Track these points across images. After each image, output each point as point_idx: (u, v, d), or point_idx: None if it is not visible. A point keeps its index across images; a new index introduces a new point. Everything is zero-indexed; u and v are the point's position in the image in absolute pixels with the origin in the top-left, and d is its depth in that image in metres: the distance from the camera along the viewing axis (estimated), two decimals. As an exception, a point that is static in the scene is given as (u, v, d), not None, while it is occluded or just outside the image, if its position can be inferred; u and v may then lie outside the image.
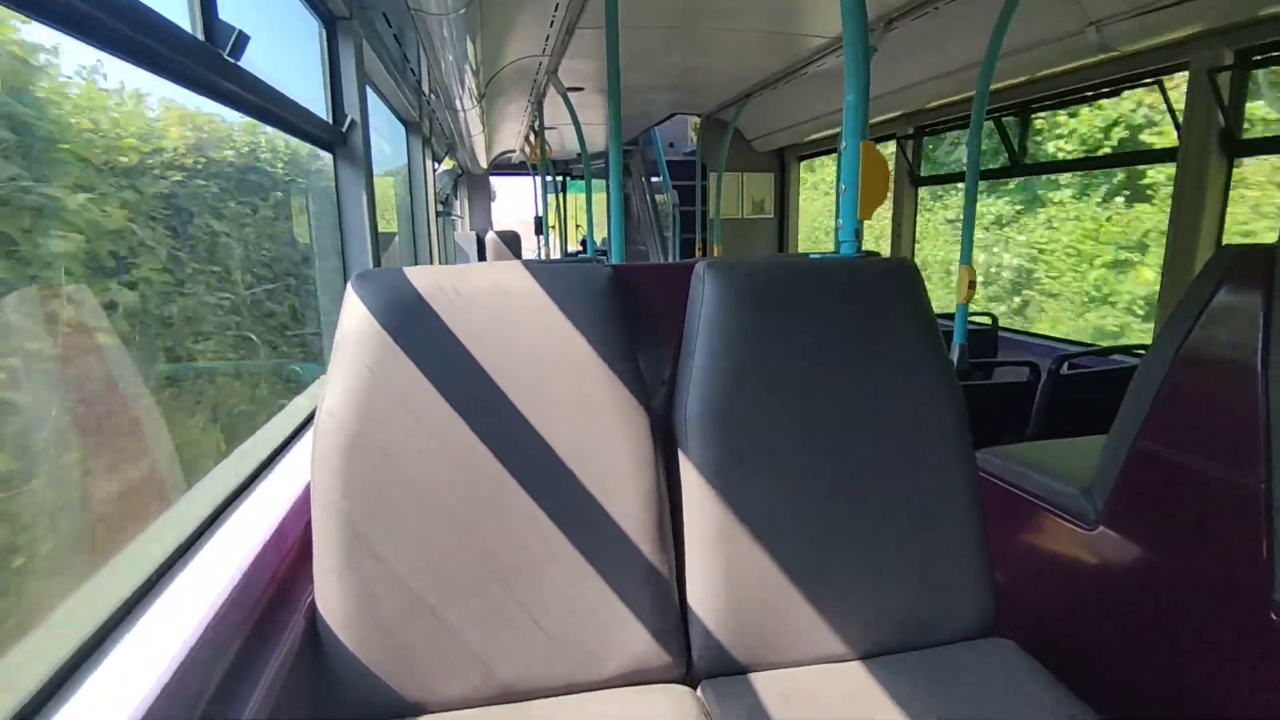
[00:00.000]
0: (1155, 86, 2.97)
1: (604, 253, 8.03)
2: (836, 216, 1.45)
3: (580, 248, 9.61)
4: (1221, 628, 1.29)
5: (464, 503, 1.00)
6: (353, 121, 1.98)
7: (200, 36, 1.09)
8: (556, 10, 2.96)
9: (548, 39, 3.39)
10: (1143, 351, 2.86)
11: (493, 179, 9.80)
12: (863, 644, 1.11)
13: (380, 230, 2.14)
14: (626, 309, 1.10)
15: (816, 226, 8.77)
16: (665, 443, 1.12)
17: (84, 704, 0.66)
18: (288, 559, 1.06)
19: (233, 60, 1.15)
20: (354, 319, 1.00)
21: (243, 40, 1.15)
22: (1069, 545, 1.67)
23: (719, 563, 1.08)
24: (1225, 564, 1.32)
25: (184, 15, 1.09)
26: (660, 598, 1.06)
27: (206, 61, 1.08)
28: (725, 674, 1.09)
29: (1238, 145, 2.63)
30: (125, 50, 0.88)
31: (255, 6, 1.51)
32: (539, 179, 7.74)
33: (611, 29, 2.36)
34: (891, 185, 3.64)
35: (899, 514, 1.13)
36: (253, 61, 1.25)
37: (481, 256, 8.12)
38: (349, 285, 1.02)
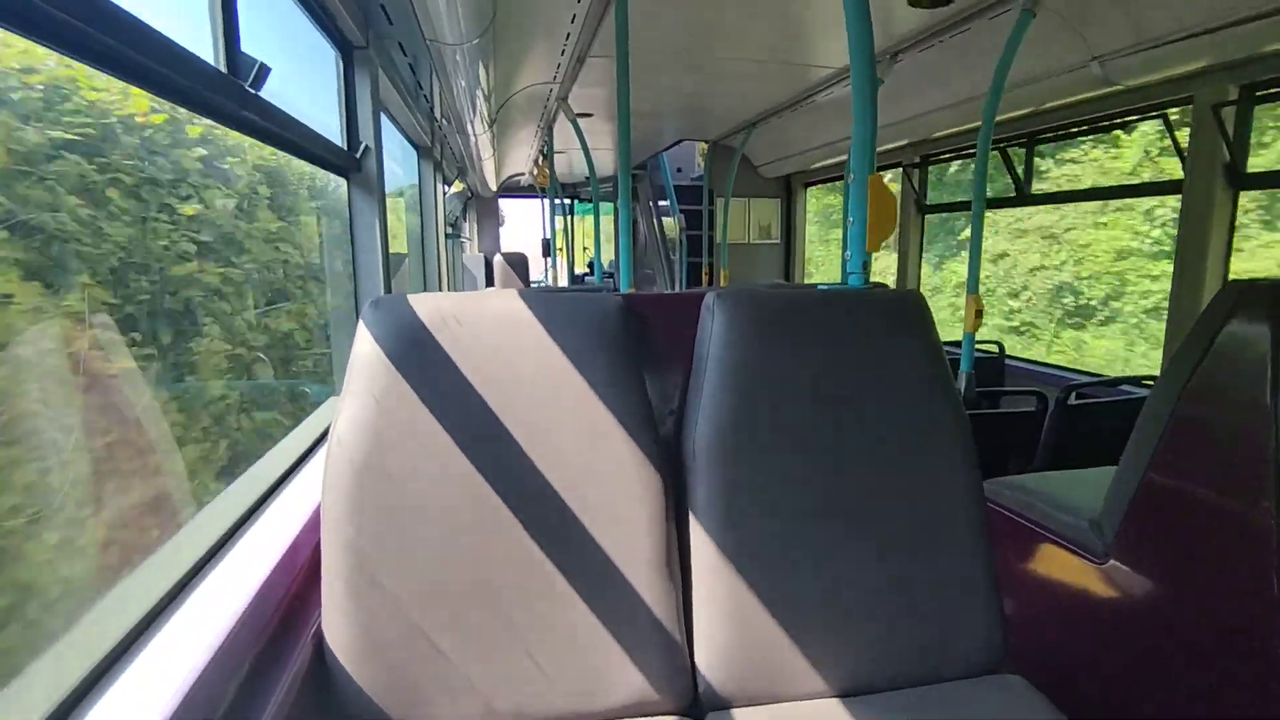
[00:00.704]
0: (1160, 119, 3.00)
1: (610, 275, 8.08)
2: (844, 248, 1.46)
3: (588, 270, 9.67)
4: (1234, 665, 1.28)
5: (469, 532, 1.00)
6: (367, 148, 2.02)
7: (223, 69, 1.12)
8: (568, 40, 3.01)
9: (559, 67, 3.44)
10: (1150, 383, 2.85)
11: (501, 202, 9.89)
12: (871, 678, 1.10)
13: (390, 251, 2.16)
14: (636, 338, 1.11)
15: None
16: (673, 472, 1.12)
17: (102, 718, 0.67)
18: (298, 579, 1.06)
19: (253, 91, 1.18)
20: (366, 345, 1.01)
21: (264, 72, 1.18)
22: (1078, 578, 1.66)
23: (726, 593, 1.07)
24: (1237, 600, 1.31)
25: (208, 48, 1.13)
26: (665, 628, 1.05)
27: (228, 93, 1.10)
28: (729, 707, 1.08)
29: (1243, 179, 2.65)
30: (152, 83, 0.91)
31: (275, 35, 1.55)
32: (547, 202, 7.81)
33: (622, 58, 2.40)
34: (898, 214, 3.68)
35: (907, 545, 1.13)
36: (270, 87, 1.28)
37: (489, 278, 8.18)
38: (364, 309, 1.04)
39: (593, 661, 1.02)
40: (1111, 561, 1.57)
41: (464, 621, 0.99)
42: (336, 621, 0.97)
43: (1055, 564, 1.74)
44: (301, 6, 1.69)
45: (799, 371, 1.13)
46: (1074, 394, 2.51)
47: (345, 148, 1.98)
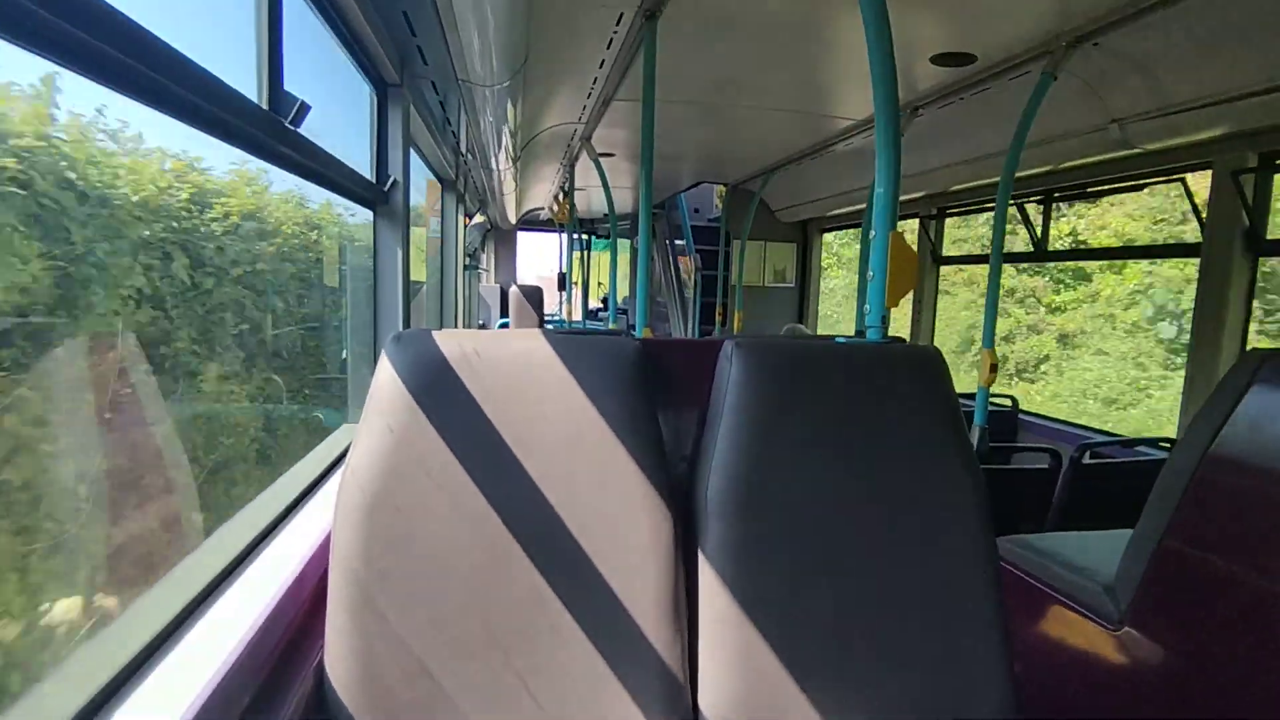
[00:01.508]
0: (1179, 182, 3.02)
1: (624, 311, 8.14)
2: (862, 302, 1.47)
3: (602, 305, 9.74)
4: None
5: (477, 571, 1.00)
6: (395, 181, 2.06)
7: (265, 106, 1.16)
8: (595, 83, 3.08)
9: (584, 108, 3.52)
10: (1167, 444, 2.83)
11: (519, 235, 10.02)
12: None
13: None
14: (652, 382, 1.12)
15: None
16: (684, 518, 1.11)
17: None
18: (303, 610, 1.06)
19: (293, 128, 1.22)
20: (387, 377, 1.02)
21: (304, 110, 1.22)
22: (1091, 644, 1.62)
23: (733, 643, 1.06)
24: (1256, 674, 1.28)
25: (252, 85, 1.17)
26: (671, 676, 1.04)
27: (269, 129, 1.14)
28: None
29: (1263, 244, 2.65)
30: (200, 120, 0.94)
31: (315, 73, 1.60)
32: (565, 237, 7.91)
33: (647, 103, 2.45)
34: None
35: (919, 603, 1.11)
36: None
37: (504, 309, 8.24)
38: (385, 343, 1.05)
39: (596, 706, 1.01)
40: (1126, 628, 1.54)
41: (467, 660, 0.98)
42: (338, 655, 0.96)
43: (1068, 628, 1.71)
44: (341, 46, 1.74)
45: (815, 424, 1.13)
46: (1088, 453, 2.49)
47: (374, 180, 2.03)
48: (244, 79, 1.13)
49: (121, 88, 0.77)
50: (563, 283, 8.13)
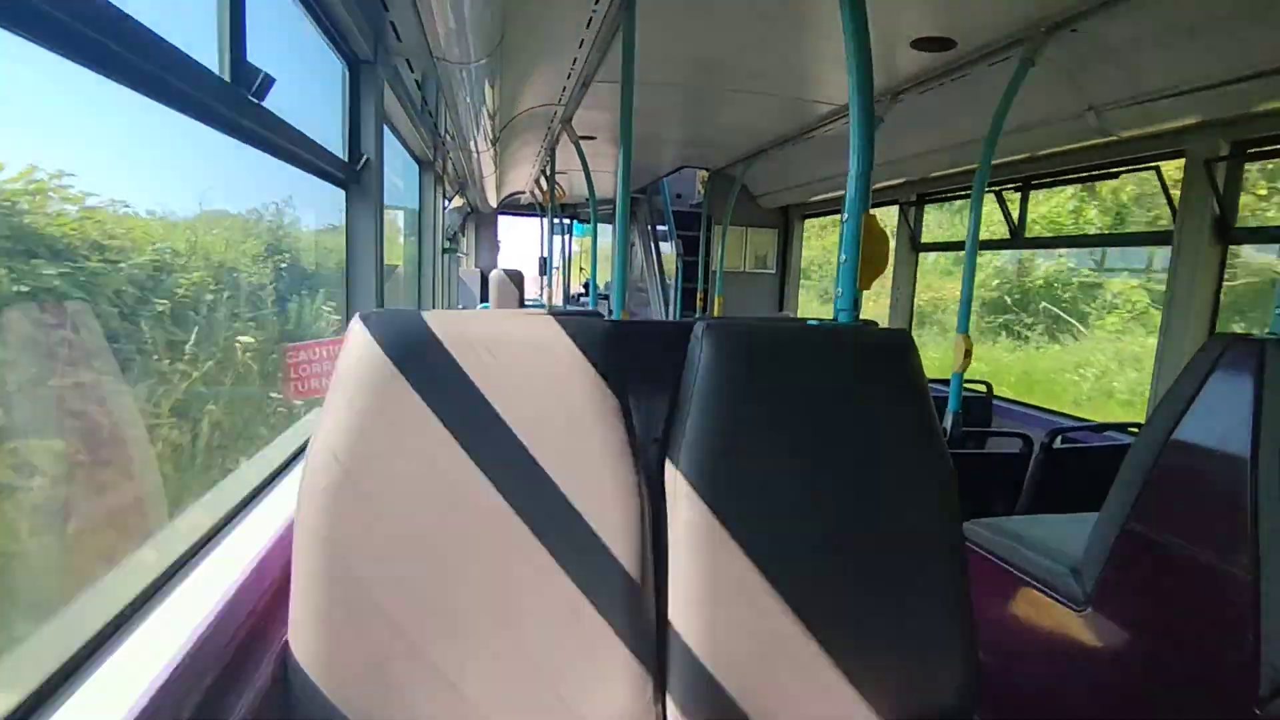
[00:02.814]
0: (1153, 170, 3.05)
1: (605, 297, 8.12)
2: (836, 284, 1.47)
3: (583, 290, 9.70)
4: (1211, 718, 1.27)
5: (443, 552, 0.99)
6: (368, 160, 2.03)
7: (226, 78, 1.12)
8: (574, 63, 3.04)
9: (564, 89, 3.48)
10: (1136, 430, 2.88)
11: (499, 218, 9.93)
12: (844, 718, 1.09)
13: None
14: (623, 364, 1.11)
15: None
16: (654, 500, 1.11)
17: None
18: (264, 599, 1.04)
19: (256, 100, 1.18)
20: (354, 356, 1.00)
21: (267, 83, 1.18)
22: (1057, 625, 1.65)
23: (702, 623, 1.06)
24: (1212, 656, 1.31)
25: (213, 56, 1.13)
26: (639, 661, 1.04)
27: (230, 102, 1.11)
28: None
29: (1232, 233, 2.69)
30: (154, 90, 0.91)
31: (283, 48, 1.57)
32: (546, 221, 7.86)
33: (627, 84, 2.42)
34: (892, 252, 3.72)
35: (882, 585, 1.12)
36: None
37: (485, 293, 8.19)
38: (351, 322, 1.03)
39: (563, 692, 1.01)
40: (1090, 609, 1.57)
41: (437, 638, 0.98)
42: (308, 637, 0.95)
43: (1034, 609, 1.74)
44: (311, 20, 1.70)
45: (784, 406, 1.13)
46: (1059, 438, 2.52)
47: (346, 159, 1.99)
48: (205, 50, 1.09)
49: (69, 52, 0.74)
50: (544, 268, 8.09)
